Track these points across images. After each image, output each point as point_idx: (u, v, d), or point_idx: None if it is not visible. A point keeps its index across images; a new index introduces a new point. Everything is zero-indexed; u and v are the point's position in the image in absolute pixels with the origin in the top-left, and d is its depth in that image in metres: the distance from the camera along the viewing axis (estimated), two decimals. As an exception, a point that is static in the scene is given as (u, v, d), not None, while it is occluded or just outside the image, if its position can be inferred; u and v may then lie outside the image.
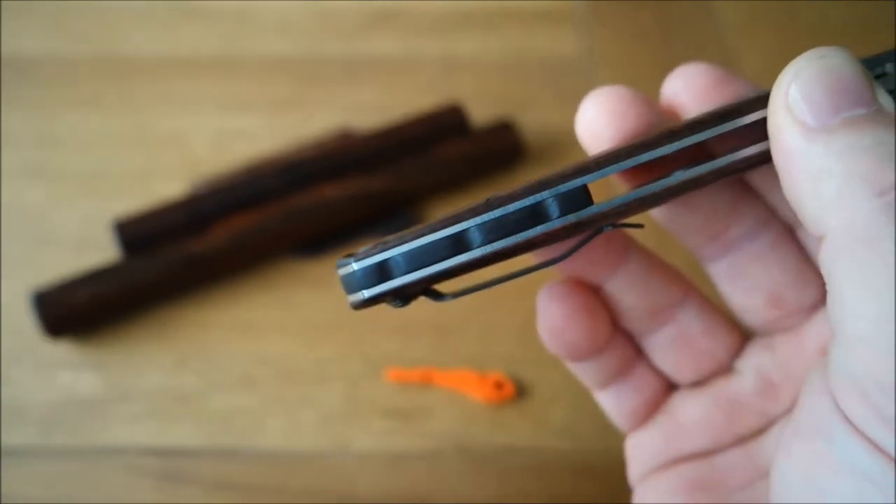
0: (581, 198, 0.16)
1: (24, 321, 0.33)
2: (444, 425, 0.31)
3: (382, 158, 0.37)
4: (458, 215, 0.17)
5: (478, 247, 0.17)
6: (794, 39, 0.43)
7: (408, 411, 0.32)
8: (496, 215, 0.16)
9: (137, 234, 0.34)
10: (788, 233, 0.21)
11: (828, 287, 0.14)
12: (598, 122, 0.19)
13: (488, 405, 0.32)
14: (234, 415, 0.32)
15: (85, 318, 0.33)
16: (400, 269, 0.17)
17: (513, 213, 0.16)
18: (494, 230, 0.17)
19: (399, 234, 0.17)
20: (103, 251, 0.35)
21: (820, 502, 0.15)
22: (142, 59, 0.43)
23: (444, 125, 0.38)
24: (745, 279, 0.21)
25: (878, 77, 0.17)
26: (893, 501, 0.13)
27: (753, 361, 0.21)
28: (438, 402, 0.32)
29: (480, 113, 0.39)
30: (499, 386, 0.32)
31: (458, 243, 0.17)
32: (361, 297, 0.17)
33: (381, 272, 0.17)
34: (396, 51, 0.43)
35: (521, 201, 0.16)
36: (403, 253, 0.17)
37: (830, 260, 0.14)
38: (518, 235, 0.16)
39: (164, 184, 0.37)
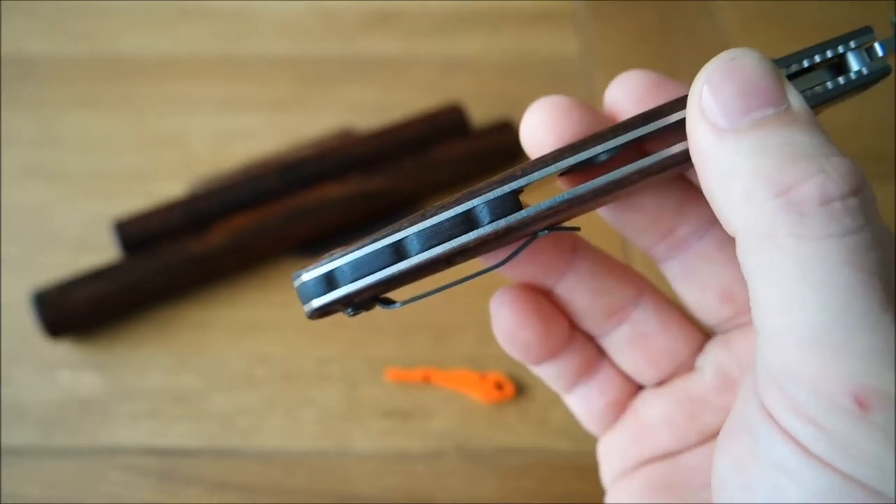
0: (509, 203, 0.17)
1: (24, 321, 0.33)
2: (444, 425, 0.31)
3: (382, 158, 0.37)
4: (397, 224, 0.18)
5: (416, 254, 0.17)
6: (793, 39, 0.43)
7: (408, 411, 0.32)
8: (432, 223, 0.17)
9: (137, 234, 0.34)
10: None
11: (748, 284, 0.15)
12: (539, 130, 0.19)
13: (488, 405, 0.32)
14: (234, 415, 0.32)
15: (85, 318, 0.33)
16: (346, 278, 0.18)
17: (447, 220, 0.17)
18: (431, 237, 0.17)
19: (347, 245, 0.18)
20: (103, 251, 0.35)
21: (746, 500, 0.15)
22: (142, 59, 0.43)
23: (444, 125, 0.38)
24: (696, 277, 0.21)
25: (802, 72, 0.17)
26: (808, 496, 0.13)
27: (712, 358, 0.21)
28: (438, 402, 0.32)
29: (480, 113, 0.39)
30: (499, 386, 0.32)
31: (399, 251, 0.17)
32: (312, 307, 0.18)
33: (329, 282, 0.18)
34: (396, 51, 0.43)
35: (454, 209, 0.17)
36: (348, 262, 0.18)
37: (742, 258, 0.15)
38: (452, 242, 0.17)
39: (164, 184, 0.37)
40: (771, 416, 0.14)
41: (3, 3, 0.45)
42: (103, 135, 0.40)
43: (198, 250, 0.34)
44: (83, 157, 0.39)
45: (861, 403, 0.13)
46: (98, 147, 0.40)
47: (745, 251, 0.14)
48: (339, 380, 0.32)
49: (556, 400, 0.32)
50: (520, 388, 0.32)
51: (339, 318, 0.35)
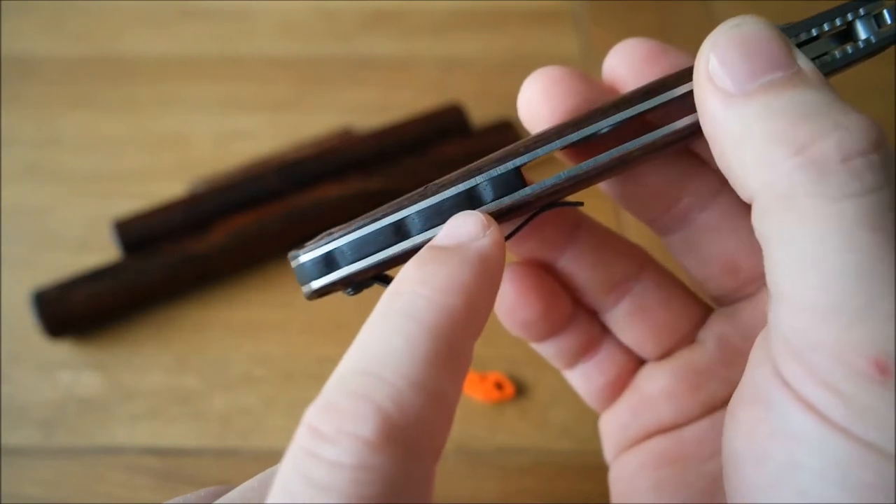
0: (513, 181, 0.17)
1: (24, 321, 0.33)
2: (444, 425, 0.31)
3: (382, 158, 0.37)
4: (398, 203, 0.17)
5: (418, 233, 0.17)
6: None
7: (408, 411, 0.32)
8: (434, 202, 0.17)
9: (137, 234, 0.34)
10: (740, 201, 0.21)
11: (763, 250, 0.15)
12: (534, 101, 0.20)
13: (488, 405, 0.32)
14: (234, 415, 0.32)
15: (85, 318, 0.33)
16: (345, 259, 0.17)
17: (449, 198, 0.17)
18: (433, 216, 0.17)
19: (345, 224, 0.17)
20: (103, 251, 0.35)
21: (760, 470, 0.15)
22: (142, 59, 0.43)
23: (444, 125, 0.38)
24: (699, 250, 0.21)
25: (809, 41, 0.17)
26: (825, 464, 0.13)
27: (715, 330, 0.21)
28: (438, 402, 0.32)
29: (480, 113, 0.39)
30: (499, 386, 0.32)
31: (399, 231, 0.17)
32: (311, 288, 0.18)
33: (328, 262, 0.17)
34: (396, 51, 0.43)
35: (456, 187, 0.17)
36: (348, 243, 0.17)
37: (758, 222, 0.14)
38: None
39: (164, 184, 0.37)
40: (787, 384, 0.14)
41: (3, 3, 0.45)
42: (103, 135, 0.40)
43: (198, 250, 0.34)
44: (83, 157, 0.39)
45: (882, 370, 0.13)
46: (98, 147, 0.40)
47: (761, 215, 0.14)
48: (339, 380, 0.32)
49: (556, 400, 0.32)
50: (520, 388, 0.32)
51: (339, 317, 0.35)
